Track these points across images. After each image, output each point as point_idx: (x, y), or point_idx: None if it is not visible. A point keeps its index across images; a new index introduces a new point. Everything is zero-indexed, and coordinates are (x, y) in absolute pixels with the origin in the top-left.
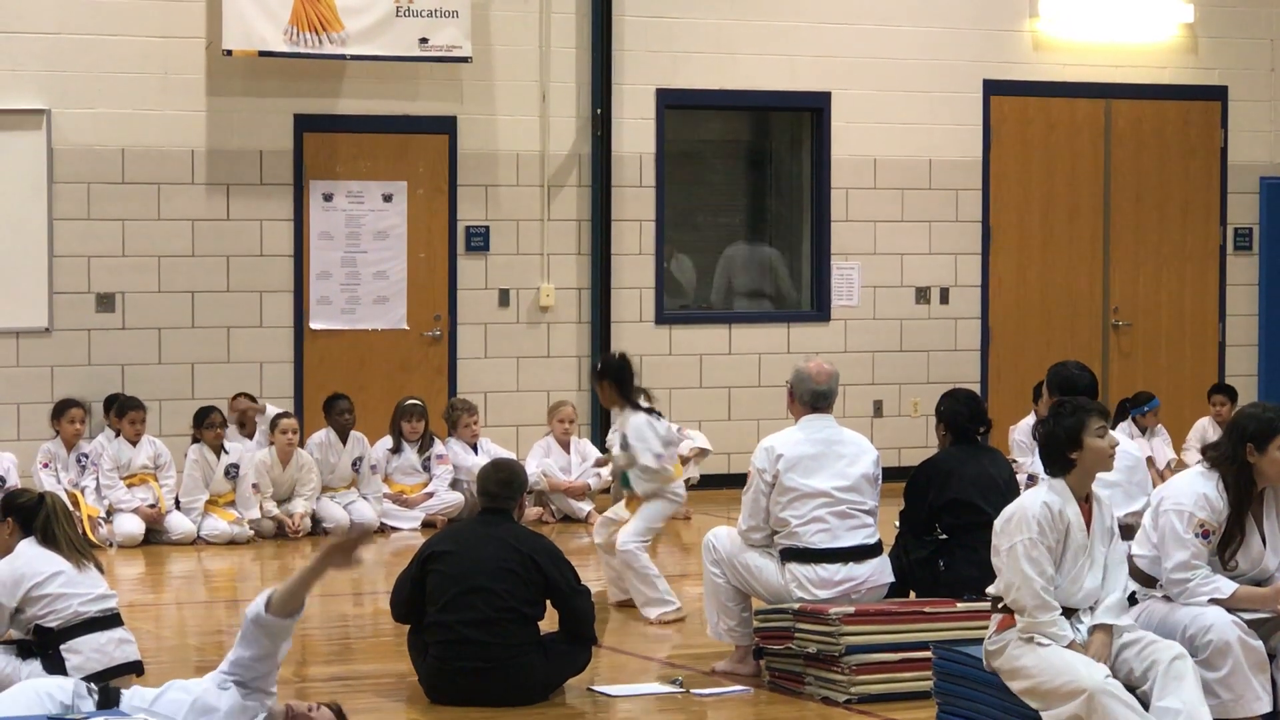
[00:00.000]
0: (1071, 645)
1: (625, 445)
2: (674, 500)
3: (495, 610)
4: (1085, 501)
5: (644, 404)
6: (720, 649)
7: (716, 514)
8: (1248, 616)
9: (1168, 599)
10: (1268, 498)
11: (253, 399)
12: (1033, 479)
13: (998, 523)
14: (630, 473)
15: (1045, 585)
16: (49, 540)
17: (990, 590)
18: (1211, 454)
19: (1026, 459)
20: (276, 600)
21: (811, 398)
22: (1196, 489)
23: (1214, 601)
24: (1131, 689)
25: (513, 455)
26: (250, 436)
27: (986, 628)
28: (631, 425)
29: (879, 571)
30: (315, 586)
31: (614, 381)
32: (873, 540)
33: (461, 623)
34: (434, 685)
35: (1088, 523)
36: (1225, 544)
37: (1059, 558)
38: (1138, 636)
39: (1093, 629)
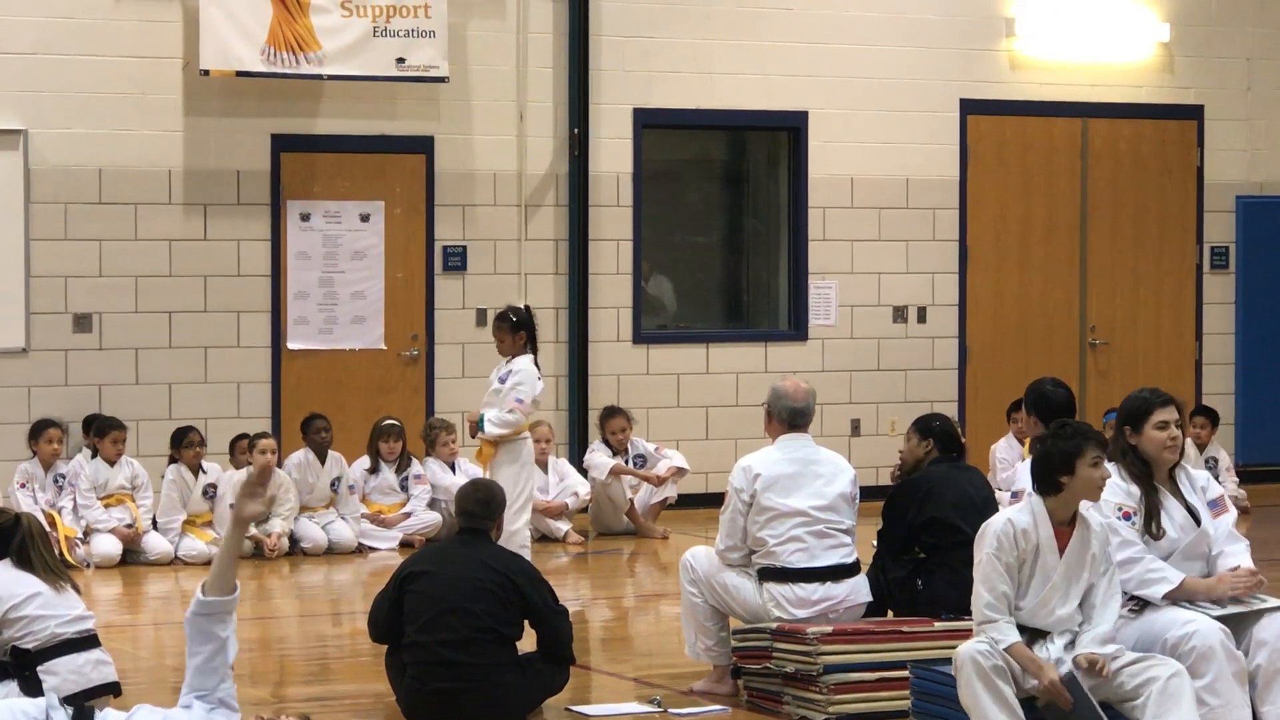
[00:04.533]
0: (1012, 649)
1: (504, 380)
2: (523, 460)
3: (473, 630)
4: (1068, 525)
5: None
6: (698, 669)
7: (694, 533)
8: (1215, 612)
9: (1133, 611)
10: (1180, 476)
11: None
12: (1016, 496)
13: (975, 544)
14: (487, 413)
15: (991, 601)
16: (24, 563)
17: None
18: (1109, 448)
19: (1009, 472)
20: (210, 584)
21: (789, 416)
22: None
23: (1168, 597)
24: (1117, 704)
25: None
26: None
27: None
28: (518, 367)
29: (856, 591)
30: (238, 554)
31: (528, 332)
32: (850, 560)
33: (439, 643)
34: (412, 705)
35: (1063, 547)
36: (1148, 521)
37: (1026, 578)
38: (1136, 655)
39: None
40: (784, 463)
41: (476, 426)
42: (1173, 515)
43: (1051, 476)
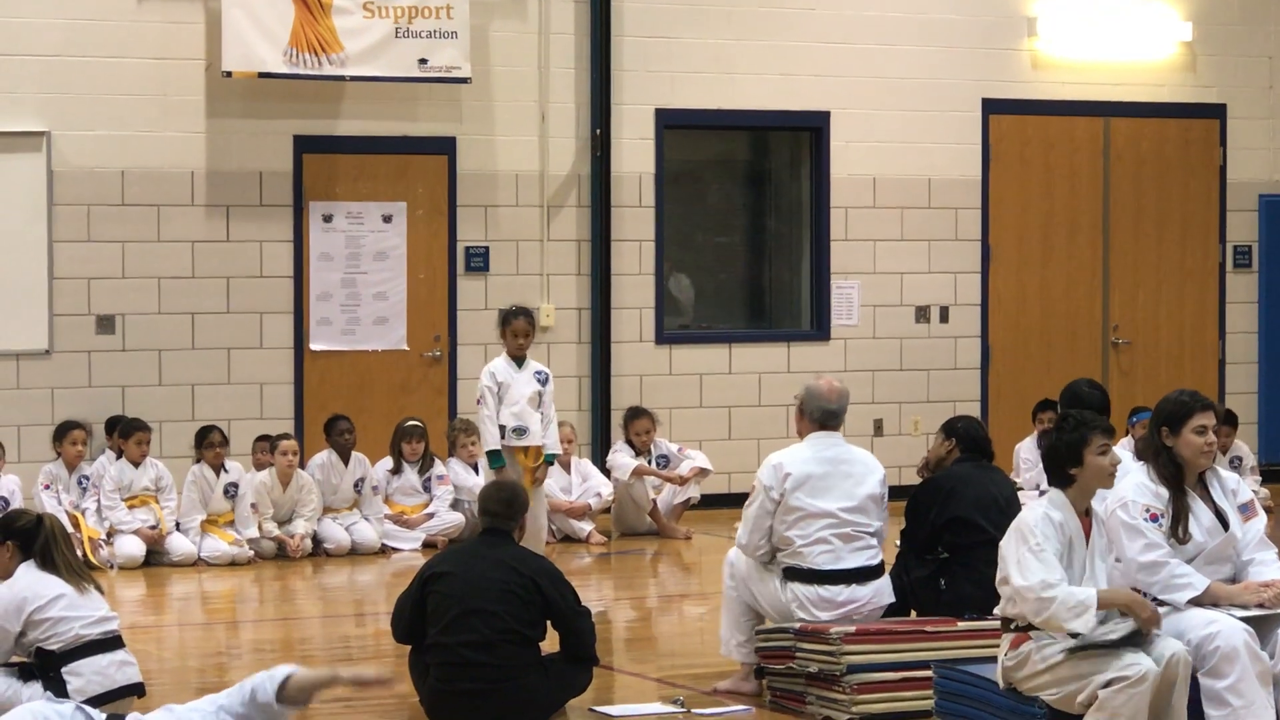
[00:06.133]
0: (1101, 597)
1: (545, 382)
2: None
3: (496, 632)
4: (1085, 515)
5: None
6: (721, 669)
7: (717, 534)
8: (1240, 613)
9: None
10: (1210, 479)
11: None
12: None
13: (1003, 543)
14: (550, 444)
15: (1045, 580)
16: (48, 564)
17: (998, 611)
18: (1139, 446)
19: (1033, 472)
20: (292, 689)
21: (821, 415)
22: (1132, 480)
23: (1192, 602)
24: None
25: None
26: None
27: (987, 646)
28: (550, 372)
29: (880, 593)
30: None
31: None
32: (875, 562)
33: (462, 645)
34: (435, 706)
35: (1086, 537)
36: (1174, 524)
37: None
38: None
39: None
40: (814, 462)
41: (544, 459)
42: (1200, 519)
43: (1062, 470)
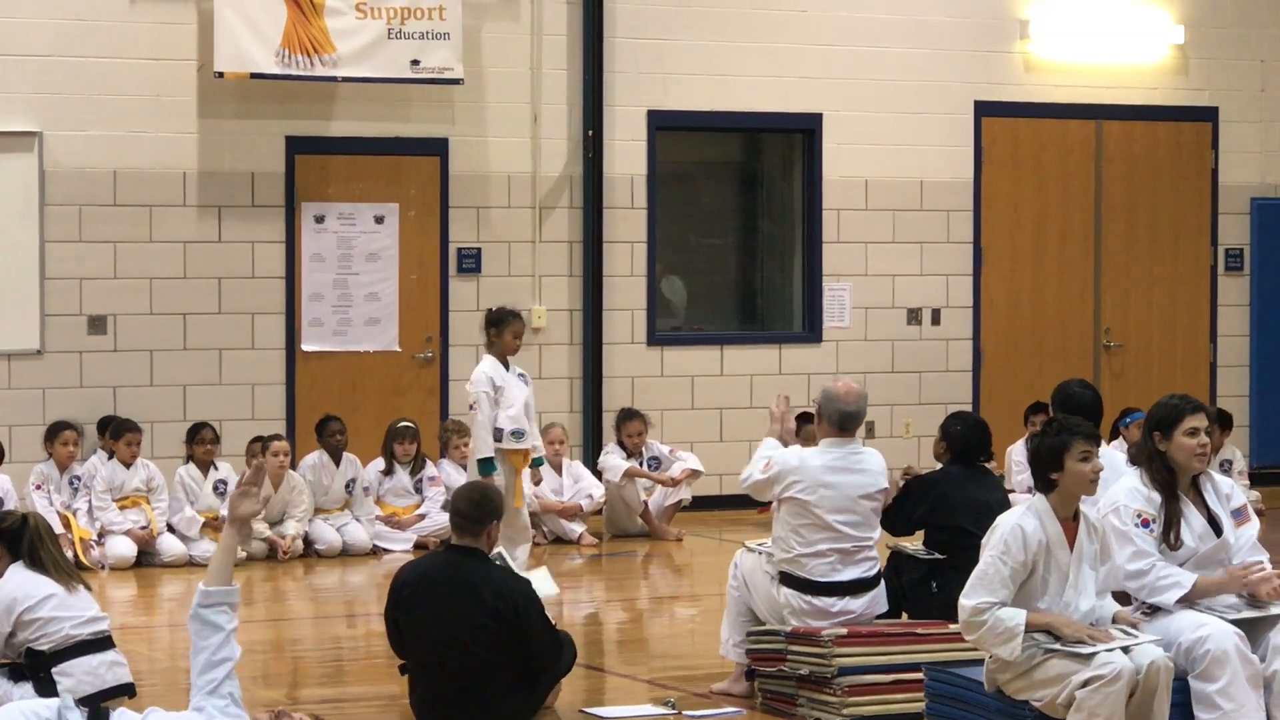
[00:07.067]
0: (1029, 621)
1: (527, 384)
2: None
3: (473, 664)
4: (1073, 520)
5: None
6: (712, 671)
7: (708, 535)
8: (1231, 616)
9: (1146, 614)
10: (1204, 483)
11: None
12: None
13: (983, 541)
14: (539, 445)
15: (978, 605)
16: (36, 564)
17: None
18: (1132, 451)
19: (1024, 474)
20: (209, 577)
21: (840, 418)
22: (1125, 485)
23: (1181, 601)
24: None
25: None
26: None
27: (978, 649)
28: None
29: (875, 603)
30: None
31: None
32: (872, 573)
33: (439, 672)
34: (423, 710)
35: (1071, 542)
36: (1166, 530)
37: (1041, 581)
38: (1133, 637)
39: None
40: (826, 471)
41: (531, 461)
42: (1192, 524)
43: (1043, 474)
